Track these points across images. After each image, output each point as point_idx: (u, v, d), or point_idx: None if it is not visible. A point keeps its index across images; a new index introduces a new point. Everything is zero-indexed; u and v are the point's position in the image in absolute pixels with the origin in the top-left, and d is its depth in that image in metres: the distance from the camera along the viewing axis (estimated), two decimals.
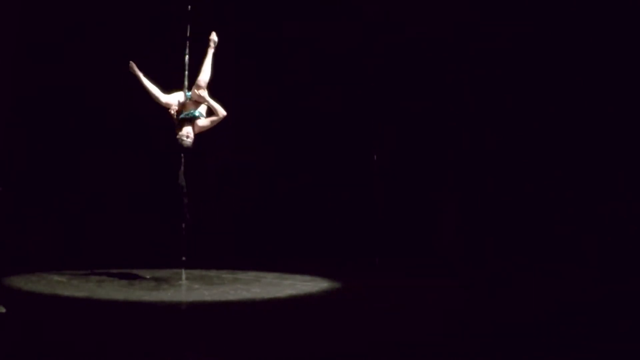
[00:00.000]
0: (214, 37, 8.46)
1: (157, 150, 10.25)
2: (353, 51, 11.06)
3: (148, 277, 9.10)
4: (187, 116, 8.39)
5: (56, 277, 8.95)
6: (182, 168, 8.40)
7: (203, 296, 8.02)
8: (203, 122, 8.37)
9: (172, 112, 8.43)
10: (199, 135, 8.44)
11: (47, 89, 10.92)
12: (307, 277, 9.23)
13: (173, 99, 8.47)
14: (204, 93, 8.34)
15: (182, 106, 8.47)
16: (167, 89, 8.57)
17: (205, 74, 8.37)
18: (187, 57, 8.43)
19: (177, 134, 8.33)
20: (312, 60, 11.23)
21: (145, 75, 8.37)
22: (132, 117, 10.70)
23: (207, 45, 8.45)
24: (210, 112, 8.49)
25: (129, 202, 11.03)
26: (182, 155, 8.39)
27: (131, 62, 8.39)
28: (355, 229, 11.18)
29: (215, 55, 8.41)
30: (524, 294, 8.40)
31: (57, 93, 10.96)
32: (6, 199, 10.19)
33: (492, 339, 6.24)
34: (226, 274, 9.40)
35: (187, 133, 8.30)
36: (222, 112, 8.38)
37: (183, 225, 8.58)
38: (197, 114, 8.41)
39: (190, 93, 8.51)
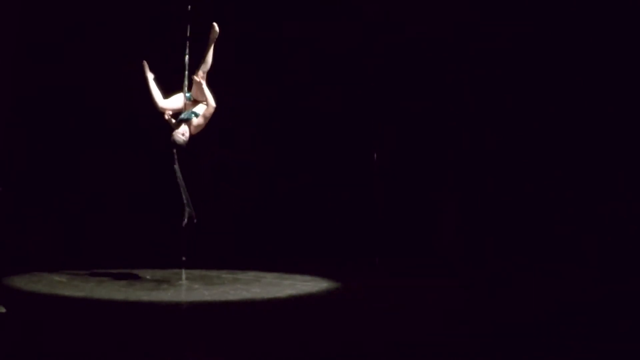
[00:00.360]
0: (215, 27, 8.45)
1: (157, 150, 10.23)
2: (353, 51, 11.05)
3: (148, 277, 9.11)
4: (184, 117, 8.41)
5: (56, 277, 8.95)
6: (177, 165, 8.36)
7: (203, 296, 8.03)
8: (198, 120, 8.38)
9: (167, 117, 8.46)
10: (196, 136, 8.43)
11: (47, 89, 10.91)
12: (307, 277, 9.23)
13: (170, 104, 8.50)
14: (203, 81, 8.35)
15: (182, 107, 8.49)
16: (167, 89, 8.58)
17: (206, 65, 8.41)
18: (187, 57, 8.44)
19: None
20: (312, 60, 11.22)
21: (153, 78, 8.40)
22: (132, 117, 10.69)
23: (208, 37, 8.45)
24: None
25: (129, 202, 11.03)
26: (175, 151, 8.34)
27: (144, 61, 8.43)
28: (355, 229, 11.17)
29: (215, 46, 8.41)
30: (524, 294, 8.40)
31: (57, 93, 10.95)
32: (6, 199, 10.19)
33: (492, 339, 6.24)
34: (226, 274, 9.41)
35: (183, 131, 8.34)
36: (212, 102, 8.38)
37: (184, 224, 8.55)
38: (194, 114, 8.41)
39: (189, 94, 8.52)
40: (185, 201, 8.47)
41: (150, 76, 8.48)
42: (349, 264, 10.48)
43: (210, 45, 8.44)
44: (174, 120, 8.50)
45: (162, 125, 8.59)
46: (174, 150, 8.40)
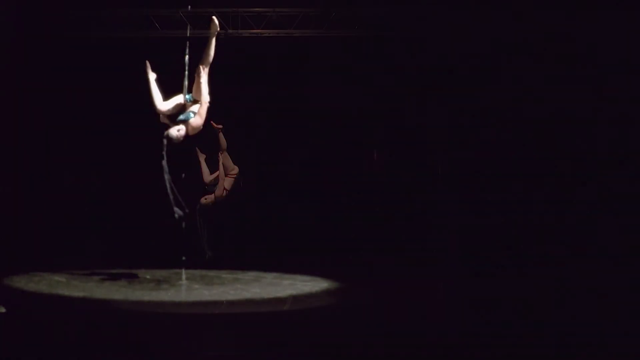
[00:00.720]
0: (214, 21, 8.39)
1: (158, 151, 10.22)
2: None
3: (148, 277, 9.12)
4: (183, 118, 8.32)
5: (56, 277, 8.96)
6: (165, 160, 8.17)
7: (203, 296, 8.03)
8: (195, 119, 8.20)
9: (162, 119, 8.33)
10: (194, 137, 8.34)
11: (49, 90, 10.92)
12: (307, 277, 9.24)
13: (168, 106, 8.37)
14: (204, 73, 8.22)
15: (181, 108, 8.43)
16: (166, 88, 8.54)
17: (207, 58, 8.27)
18: (187, 57, 8.39)
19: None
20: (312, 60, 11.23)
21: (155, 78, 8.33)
22: (132, 117, 10.69)
23: (209, 31, 8.39)
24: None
25: (129, 202, 11.03)
26: (165, 145, 8.17)
27: (147, 61, 8.34)
28: (355, 228, 11.17)
29: (217, 39, 8.34)
30: (523, 294, 8.40)
31: (58, 93, 10.96)
32: (6, 199, 10.19)
33: (492, 339, 6.25)
34: (226, 274, 9.41)
35: (178, 128, 8.15)
36: (205, 98, 8.21)
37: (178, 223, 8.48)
38: (193, 114, 8.28)
39: (190, 96, 8.41)
40: (171, 199, 8.30)
41: (152, 76, 8.40)
42: (349, 264, 10.48)
43: (211, 39, 8.34)
44: (168, 122, 8.40)
45: (163, 125, 8.56)
46: (164, 144, 8.20)
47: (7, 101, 10.51)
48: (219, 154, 9.84)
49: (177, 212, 8.07)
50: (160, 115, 8.32)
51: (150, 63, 8.38)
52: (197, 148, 9.54)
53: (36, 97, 10.86)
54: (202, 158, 9.85)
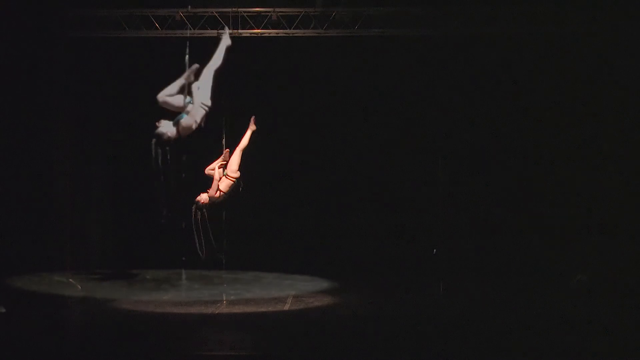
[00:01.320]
0: (226, 34, 8.29)
1: (156, 151, 10.19)
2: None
3: (148, 277, 9.12)
4: (178, 119, 8.22)
5: (56, 277, 8.97)
6: (156, 150, 8.00)
7: (203, 296, 8.03)
8: (186, 120, 8.00)
9: (158, 124, 8.13)
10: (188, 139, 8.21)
11: (48, 90, 10.92)
12: (307, 277, 9.24)
13: (172, 100, 8.25)
14: (208, 74, 8.04)
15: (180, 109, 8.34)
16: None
17: (215, 60, 8.11)
18: (187, 56, 8.33)
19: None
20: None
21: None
22: (133, 117, 10.69)
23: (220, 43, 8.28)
24: None
25: (129, 203, 11.02)
26: (154, 144, 7.97)
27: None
28: (355, 229, 11.17)
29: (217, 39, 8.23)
30: (520, 296, 8.41)
31: (58, 93, 10.96)
32: (6, 199, 10.19)
33: (490, 339, 6.26)
34: (226, 274, 9.42)
35: (167, 125, 7.92)
36: (197, 99, 7.96)
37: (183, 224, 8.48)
38: (185, 116, 8.09)
39: (189, 98, 8.23)
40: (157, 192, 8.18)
41: (194, 66, 8.11)
42: (349, 264, 10.48)
43: (220, 46, 8.17)
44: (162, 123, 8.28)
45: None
46: (153, 143, 8.00)
47: (7, 101, 10.51)
48: (233, 149, 9.00)
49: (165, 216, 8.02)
50: (159, 121, 8.09)
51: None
52: (227, 149, 8.98)
53: (36, 96, 10.86)
54: (221, 159, 9.16)
